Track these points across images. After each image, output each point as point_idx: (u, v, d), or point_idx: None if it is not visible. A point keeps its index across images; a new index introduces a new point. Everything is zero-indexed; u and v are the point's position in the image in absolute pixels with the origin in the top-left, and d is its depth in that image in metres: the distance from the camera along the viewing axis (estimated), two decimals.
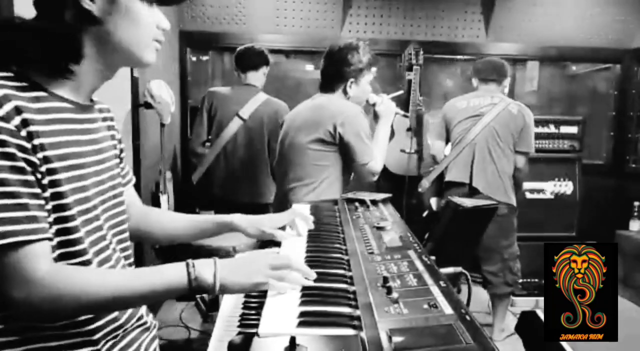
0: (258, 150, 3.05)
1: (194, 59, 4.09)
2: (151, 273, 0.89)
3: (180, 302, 3.39)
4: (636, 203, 3.62)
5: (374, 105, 2.23)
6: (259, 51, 3.09)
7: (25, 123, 0.80)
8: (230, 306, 1.09)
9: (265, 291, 0.98)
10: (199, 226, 1.29)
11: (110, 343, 0.93)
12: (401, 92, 2.56)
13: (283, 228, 1.39)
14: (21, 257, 0.77)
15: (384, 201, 1.89)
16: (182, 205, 3.48)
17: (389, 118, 2.22)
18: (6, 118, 0.77)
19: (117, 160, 1.08)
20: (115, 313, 0.95)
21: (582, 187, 3.60)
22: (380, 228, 1.43)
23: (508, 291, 2.99)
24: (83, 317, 0.88)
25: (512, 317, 3.15)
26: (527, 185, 3.34)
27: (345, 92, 2.17)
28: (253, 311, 1.01)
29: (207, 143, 3.12)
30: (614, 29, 3.93)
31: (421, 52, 3.75)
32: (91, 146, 0.96)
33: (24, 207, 0.78)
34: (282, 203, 2.18)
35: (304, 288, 0.99)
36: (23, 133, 0.79)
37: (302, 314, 0.88)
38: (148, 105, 2.82)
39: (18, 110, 0.79)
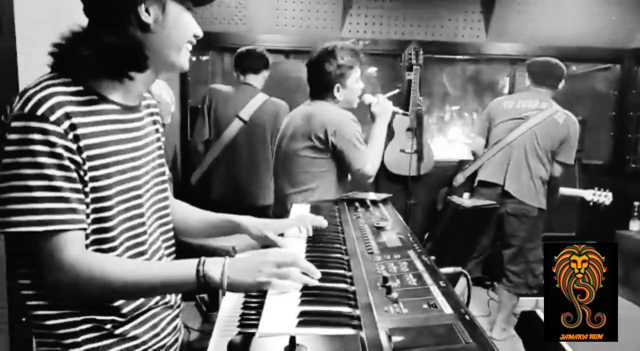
0: (259, 151, 3.04)
1: (194, 59, 4.09)
2: (165, 267, 1.01)
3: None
4: (636, 203, 3.62)
5: (369, 105, 2.22)
6: (261, 55, 3.08)
7: (73, 127, 0.90)
8: (230, 306, 1.09)
9: (266, 291, 0.98)
10: (211, 223, 1.34)
11: (134, 313, 1.02)
12: (397, 91, 2.55)
13: None
14: (57, 243, 0.88)
15: (384, 201, 1.89)
16: None
17: (386, 118, 2.21)
18: (57, 123, 0.88)
19: (161, 152, 1.18)
20: None
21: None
22: (380, 228, 1.43)
23: (526, 293, 3.00)
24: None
25: (512, 317, 3.15)
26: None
27: (333, 98, 2.15)
28: (253, 311, 1.01)
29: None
30: (614, 29, 3.93)
31: (421, 52, 3.75)
32: (133, 143, 1.04)
33: (65, 199, 0.89)
34: (280, 209, 2.18)
35: (304, 288, 0.99)
36: (70, 136, 0.90)
37: (302, 314, 0.88)
38: None
39: (68, 116, 0.90)
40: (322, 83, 2.15)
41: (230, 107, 3.01)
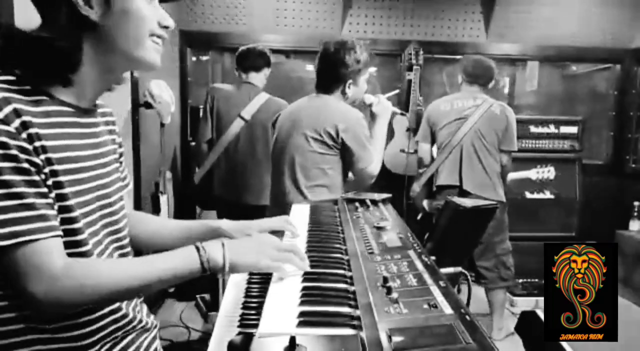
0: (261, 150, 3.04)
1: (194, 59, 4.09)
2: (166, 259, 0.92)
3: (180, 302, 3.39)
4: (636, 203, 3.62)
5: (370, 105, 2.22)
6: (262, 53, 3.08)
7: (25, 125, 0.80)
8: (230, 306, 1.09)
9: (266, 290, 0.99)
10: (188, 231, 1.25)
11: (108, 344, 0.94)
12: (397, 91, 2.56)
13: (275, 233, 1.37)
14: (35, 254, 0.78)
15: (384, 201, 1.88)
16: (182, 205, 3.48)
17: (386, 118, 2.21)
18: (6, 121, 0.78)
19: (117, 165, 1.09)
20: (115, 315, 0.95)
21: (582, 187, 3.60)
22: (380, 228, 1.43)
23: (503, 285, 3.03)
24: (81, 319, 0.88)
25: (512, 317, 3.15)
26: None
27: (343, 93, 2.14)
28: (253, 311, 1.01)
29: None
30: (614, 29, 3.93)
31: (421, 52, 3.75)
32: (92, 150, 0.96)
33: (30, 206, 0.79)
34: (280, 207, 2.11)
35: (304, 288, 0.99)
36: (24, 135, 0.79)
37: (302, 314, 0.88)
38: (148, 105, 2.82)
39: (17, 113, 0.80)
40: (336, 75, 2.12)
41: (232, 106, 3.01)
